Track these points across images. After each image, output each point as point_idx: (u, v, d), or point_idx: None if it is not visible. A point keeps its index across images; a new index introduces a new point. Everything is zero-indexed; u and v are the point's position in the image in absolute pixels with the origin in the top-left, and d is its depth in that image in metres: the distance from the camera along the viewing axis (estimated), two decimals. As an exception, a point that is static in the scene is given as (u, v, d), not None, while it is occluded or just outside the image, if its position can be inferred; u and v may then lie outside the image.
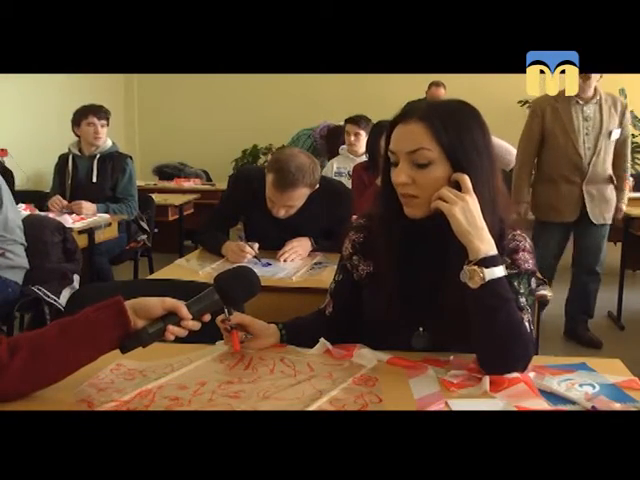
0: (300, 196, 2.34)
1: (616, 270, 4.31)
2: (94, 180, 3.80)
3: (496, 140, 5.50)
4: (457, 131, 1.26)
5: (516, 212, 3.43)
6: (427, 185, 1.26)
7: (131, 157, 3.99)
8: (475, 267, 1.21)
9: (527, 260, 1.31)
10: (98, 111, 3.80)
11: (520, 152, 3.82)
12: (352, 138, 3.99)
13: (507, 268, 1.28)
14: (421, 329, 1.36)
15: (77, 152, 3.85)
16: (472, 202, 1.22)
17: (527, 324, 1.26)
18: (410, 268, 1.33)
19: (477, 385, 1.19)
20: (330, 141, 4.92)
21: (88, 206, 3.65)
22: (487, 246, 1.22)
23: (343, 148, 4.18)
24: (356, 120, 4.02)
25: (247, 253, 2.31)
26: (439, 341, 1.34)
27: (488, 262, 1.21)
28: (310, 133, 5.06)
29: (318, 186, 2.40)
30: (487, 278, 1.20)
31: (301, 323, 1.47)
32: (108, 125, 3.87)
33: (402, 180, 1.26)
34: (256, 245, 2.36)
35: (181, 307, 1.18)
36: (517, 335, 1.22)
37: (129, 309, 1.14)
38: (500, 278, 1.22)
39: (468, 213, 1.22)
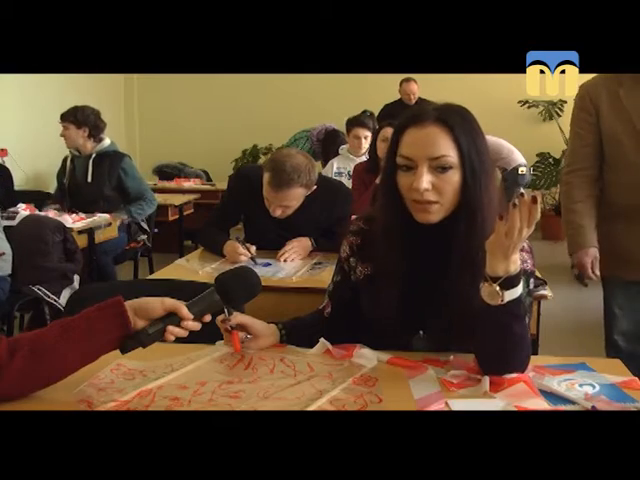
0: (296, 196, 2.34)
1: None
2: (89, 180, 3.81)
3: (498, 140, 5.51)
4: (472, 136, 1.27)
5: (579, 266, 2.29)
6: (447, 190, 1.25)
7: (129, 156, 3.99)
8: (496, 288, 1.16)
9: (525, 260, 1.31)
10: (63, 116, 3.82)
11: (566, 173, 2.30)
12: (363, 141, 3.93)
13: None
14: (421, 332, 1.36)
15: (76, 152, 3.87)
16: None
17: None
18: (411, 272, 1.33)
19: (477, 385, 1.18)
20: (326, 145, 4.91)
21: (116, 217, 3.74)
22: (510, 264, 1.16)
23: (343, 148, 4.16)
24: (366, 123, 3.95)
25: (241, 254, 2.31)
26: (439, 344, 1.34)
27: (509, 283, 1.17)
28: (308, 135, 5.06)
29: (318, 186, 2.40)
30: (506, 300, 1.17)
31: (301, 323, 1.47)
32: (82, 126, 3.80)
33: (424, 187, 1.24)
34: (253, 247, 2.35)
35: (182, 307, 1.18)
36: (523, 347, 1.22)
37: (129, 309, 1.14)
38: (518, 297, 1.18)
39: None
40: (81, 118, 3.77)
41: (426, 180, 1.24)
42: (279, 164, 2.28)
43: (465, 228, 1.26)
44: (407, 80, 5.92)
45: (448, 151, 1.24)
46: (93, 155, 3.82)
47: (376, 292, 1.37)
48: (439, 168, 1.25)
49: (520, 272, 1.18)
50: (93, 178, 3.79)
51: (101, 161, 3.82)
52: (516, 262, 1.17)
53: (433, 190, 1.25)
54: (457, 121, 1.26)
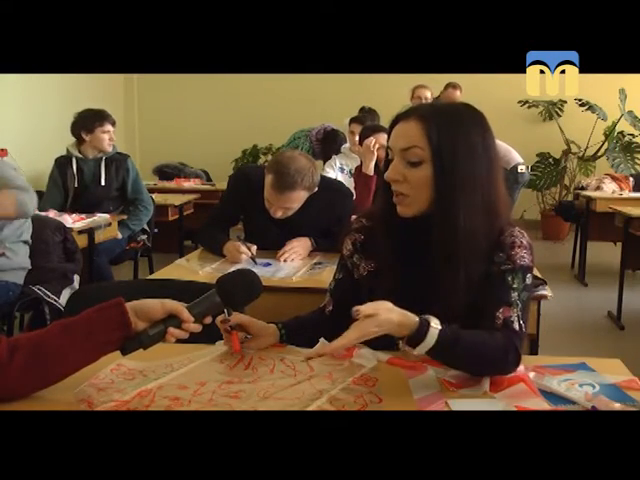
0: (298, 198, 2.34)
1: (616, 270, 4.32)
2: (102, 183, 3.83)
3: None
4: (451, 133, 1.26)
5: None
6: (417, 184, 1.27)
7: (130, 156, 4.04)
8: (407, 347, 1.17)
9: (523, 256, 1.31)
10: (110, 118, 3.87)
11: None
12: (356, 138, 3.96)
13: (502, 264, 1.29)
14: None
15: (80, 155, 3.86)
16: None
17: (516, 319, 1.26)
18: (407, 267, 1.34)
19: (477, 385, 1.19)
20: (325, 144, 4.91)
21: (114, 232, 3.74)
22: (404, 327, 1.15)
23: (345, 147, 4.17)
24: (361, 120, 3.99)
25: (243, 253, 2.31)
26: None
27: (412, 341, 1.16)
28: (307, 135, 5.06)
29: (318, 186, 2.40)
30: (419, 353, 1.16)
31: (301, 322, 1.47)
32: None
33: (392, 176, 1.28)
34: (254, 247, 2.35)
35: (182, 310, 1.18)
36: (486, 359, 1.21)
37: (130, 311, 1.14)
38: (436, 342, 1.15)
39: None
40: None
41: (395, 171, 1.28)
42: (283, 167, 2.28)
43: (438, 225, 1.28)
44: (454, 86, 5.58)
45: (418, 143, 1.26)
46: (104, 158, 3.85)
47: (376, 286, 1.38)
48: (410, 161, 1.27)
49: (420, 329, 1.15)
50: (106, 181, 3.84)
51: (109, 164, 3.86)
52: (403, 325, 1.14)
53: (404, 182, 1.28)
54: (437, 116, 1.27)
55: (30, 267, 2.72)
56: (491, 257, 1.31)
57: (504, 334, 1.24)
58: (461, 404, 1.11)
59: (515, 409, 1.10)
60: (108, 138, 3.83)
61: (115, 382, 1.20)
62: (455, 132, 1.26)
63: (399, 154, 1.28)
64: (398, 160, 1.28)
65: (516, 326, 1.26)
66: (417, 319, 1.16)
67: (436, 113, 1.28)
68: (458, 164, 1.25)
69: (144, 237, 4.10)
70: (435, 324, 1.16)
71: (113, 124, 3.87)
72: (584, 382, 1.20)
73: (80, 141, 3.85)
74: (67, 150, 3.90)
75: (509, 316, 1.26)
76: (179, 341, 1.20)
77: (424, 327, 1.16)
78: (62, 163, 3.92)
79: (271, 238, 2.44)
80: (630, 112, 6.58)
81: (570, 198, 6.71)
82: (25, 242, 2.69)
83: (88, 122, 3.80)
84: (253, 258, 2.32)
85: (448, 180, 1.25)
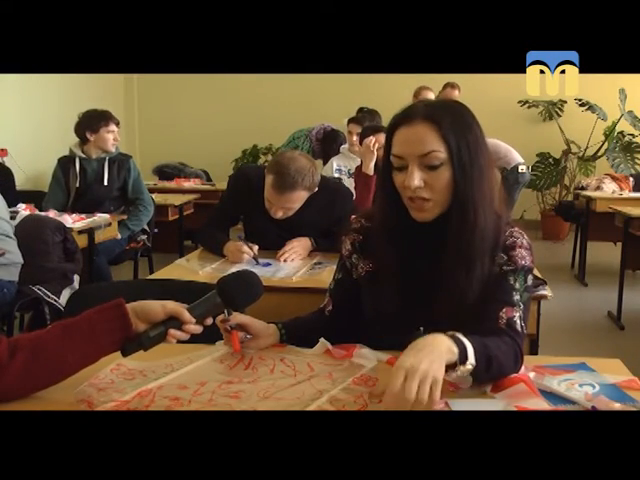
0: (298, 199, 2.34)
1: (616, 270, 4.32)
2: (105, 183, 3.85)
3: (495, 140, 5.50)
4: (462, 130, 1.26)
5: None
6: (439, 187, 1.26)
7: (132, 157, 4.06)
8: (454, 373, 1.12)
9: (524, 257, 1.32)
10: (115, 118, 3.89)
11: None
12: (354, 138, 3.96)
13: (503, 265, 1.29)
14: (422, 328, 1.36)
15: (83, 155, 3.87)
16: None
17: (519, 320, 1.27)
18: (410, 268, 1.34)
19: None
20: (325, 144, 4.92)
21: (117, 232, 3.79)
22: (450, 351, 1.10)
23: (344, 147, 4.17)
24: (359, 120, 3.99)
25: (245, 253, 2.31)
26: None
27: (460, 360, 1.11)
28: (307, 134, 5.06)
29: (318, 186, 2.40)
30: (467, 372, 1.12)
31: (301, 322, 1.47)
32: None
33: (416, 184, 1.25)
34: (255, 247, 2.36)
35: (183, 312, 1.17)
36: (503, 364, 1.19)
37: (131, 312, 1.14)
38: (475, 355, 1.12)
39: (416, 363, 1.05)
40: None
41: (417, 177, 1.25)
42: (283, 167, 2.28)
43: (458, 224, 1.27)
44: (452, 86, 5.52)
45: (436, 147, 1.25)
46: (107, 158, 3.87)
47: (377, 288, 1.37)
48: (430, 165, 1.25)
49: (460, 342, 1.11)
50: (108, 181, 3.86)
51: (111, 164, 3.88)
52: (450, 349, 1.09)
53: (425, 187, 1.26)
54: (445, 116, 1.26)
55: (22, 261, 2.70)
56: (492, 258, 1.31)
57: (509, 336, 1.24)
58: (461, 404, 1.11)
59: (515, 409, 1.10)
60: (112, 138, 3.85)
61: (115, 382, 1.20)
62: (464, 130, 1.27)
63: (416, 160, 1.25)
64: (415, 166, 1.25)
65: (519, 327, 1.26)
66: (448, 338, 1.11)
67: (440, 112, 1.27)
68: (473, 161, 1.26)
69: (144, 237, 4.11)
70: (461, 336, 1.13)
71: (117, 125, 3.89)
72: (584, 382, 1.20)
73: (84, 141, 3.85)
74: (70, 150, 3.91)
75: (512, 317, 1.26)
76: (179, 341, 1.20)
77: (460, 341, 1.12)
78: (65, 163, 3.92)
79: (271, 238, 2.44)
80: (630, 112, 6.58)
81: (570, 198, 6.71)
82: (9, 237, 2.68)
83: (93, 122, 3.81)
84: (255, 258, 2.32)
85: (466, 178, 1.26)
